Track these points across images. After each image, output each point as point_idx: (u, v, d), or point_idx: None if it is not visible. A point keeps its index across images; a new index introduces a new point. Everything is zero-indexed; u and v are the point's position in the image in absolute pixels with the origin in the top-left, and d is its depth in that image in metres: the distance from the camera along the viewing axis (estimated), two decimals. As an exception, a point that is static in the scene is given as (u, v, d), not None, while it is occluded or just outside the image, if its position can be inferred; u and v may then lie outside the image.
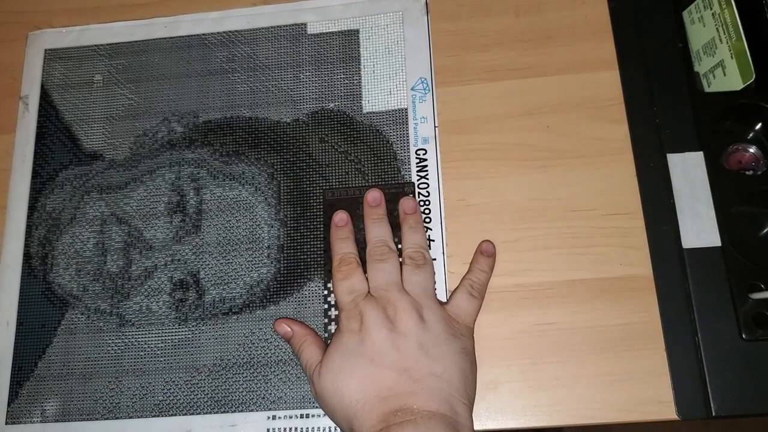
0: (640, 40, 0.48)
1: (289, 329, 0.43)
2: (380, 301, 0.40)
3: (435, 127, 0.48)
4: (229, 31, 0.52)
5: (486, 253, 0.44)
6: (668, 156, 0.45)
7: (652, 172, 0.45)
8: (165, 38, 0.52)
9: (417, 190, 0.46)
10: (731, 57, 0.45)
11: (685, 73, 0.47)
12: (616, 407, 0.41)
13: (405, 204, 0.45)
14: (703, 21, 0.47)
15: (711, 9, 0.46)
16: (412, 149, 0.47)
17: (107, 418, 0.44)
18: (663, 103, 0.46)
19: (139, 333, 0.45)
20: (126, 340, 0.45)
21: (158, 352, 0.45)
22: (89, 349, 0.45)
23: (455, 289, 0.43)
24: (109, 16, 0.53)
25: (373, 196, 0.45)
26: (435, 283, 0.42)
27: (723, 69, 0.46)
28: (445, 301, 0.43)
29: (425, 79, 0.49)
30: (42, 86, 0.52)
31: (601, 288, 0.43)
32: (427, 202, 0.46)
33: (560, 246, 0.44)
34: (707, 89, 0.47)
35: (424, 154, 0.47)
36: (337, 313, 0.44)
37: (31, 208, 0.49)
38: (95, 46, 0.53)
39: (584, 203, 0.45)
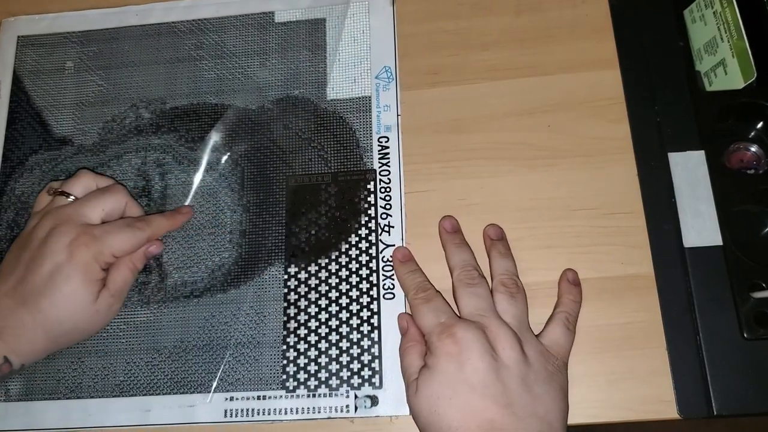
0: (640, 39, 0.47)
1: (405, 325, 0.42)
2: (478, 326, 0.38)
3: (398, 115, 0.48)
4: (199, 20, 0.52)
5: (574, 282, 0.43)
6: (669, 155, 0.45)
7: (653, 171, 0.45)
8: (136, 26, 0.53)
9: (378, 177, 0.47)
10: (732, 56, 0.44)
11: (686, 72, 0.46)
12: (618, 406, 0.41)
13: (491, 230, 0.44)
14: (704, 20, 0.46)
15: (712, 8, 0.45)
16: (375, 137, 0.48)
17: (69, 398, 0.45)
18: (664, 101, 0.46)
19: (103, 315, 0.46)
20: (89, 322, 0.46)
21: (120, 333, 0.46)
22: (53, 330, 0.46)
23: (549, 321, 0.41)
24: (82, 3, 0.54)
25: (451, 222, 0.45)
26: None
27: (724, 68, 0.45)
28: (539, 333, 0.41)
29: (389, 67, 0.49)
30: (14, 72, 0.53)
31: (602, 287, 0.43)
32: (388, 189, 0.47)
33: (561, 245, 0.44)
34: (708, 88, 0.47)
35: (386, 142, 0.48)
36: (296, 297, 0.45)
37: (1, 192, 0.50)
38: (68, 33, 0.53)
39: (585, 202, 0.45)
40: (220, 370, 0.44)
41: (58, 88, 0.52)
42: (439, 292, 0.42)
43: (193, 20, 0.52)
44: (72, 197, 0.44)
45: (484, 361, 0.37)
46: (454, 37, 0.50)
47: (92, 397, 0.44)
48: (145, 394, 0.44)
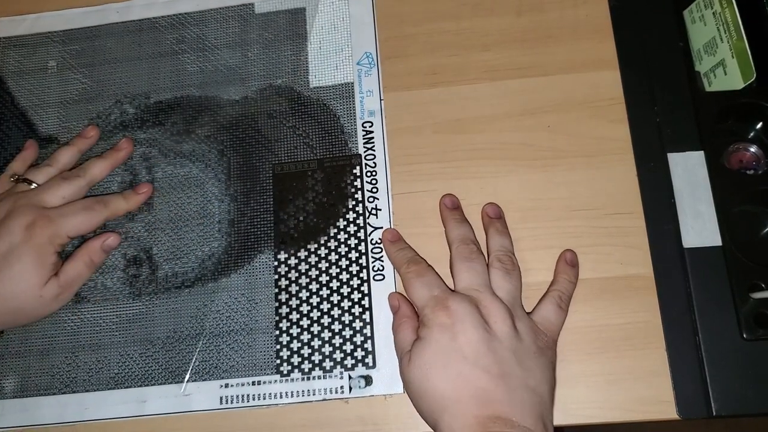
0: (640, 40, 0.48)
1: (396, 304, 0.43)
2: (471, 300, 0.39)
3: (381, 100, 0.49)
4: (179, 14, 0.52)
5: (571, 263, 0.43)
6: (669, 155, 0.45)
7: (652, 172, 0.45)
8: (117, 23, 0.53)
9: (364, 161, 0.47)
10: (732, 56, 0.44)
11: (686, 73, 0.47)
12: (617, 407, 0.41)
13: (489, 209, 0.45)
14: (704, 20, 0.46)
15: (712, 8, 0.46)
16: (359, 122, 0.48)
17: (64, 392, 0.45)
18: (664, 102, 0.46)
19: (95, 309, 0.46)
20: (82, 317, 0.46)
21: (113, 326, 0.46)
22: (46, 326, 0.46)
23: (542, 299, 0.42)
24: (62, 3, 0.54)
25: (451, 199, 0.45)
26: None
27: (724, 68, 0.45)
28: (531, 311, 0.42)
29: (370, 53, 0.50)
30: (-3, 73, 0.53)
31: (601, 287, 0.43)
32: (374, 173, 0.47)
33: (561, 245, 0.44)
34: (708, 88, 0.47)
35: (370, 127, 0.48)
36: (287, 283, 0.45)
37: (-12, 192, 0.50)
38: (49, 32, 0.54)
39: (585, 203, 0.45)
40: (194, 359, 0.44)
41: (42, 88, 0.52)
42: (430, 266, 0.43)
43: (174, 15, 0.52)
44: (34, 185, 0.46)
45: (477, 332, 0.37)
46: (455, 38, 0.50)
47: (87, 391, 0.45)
48: (140, 386, 0.44)
